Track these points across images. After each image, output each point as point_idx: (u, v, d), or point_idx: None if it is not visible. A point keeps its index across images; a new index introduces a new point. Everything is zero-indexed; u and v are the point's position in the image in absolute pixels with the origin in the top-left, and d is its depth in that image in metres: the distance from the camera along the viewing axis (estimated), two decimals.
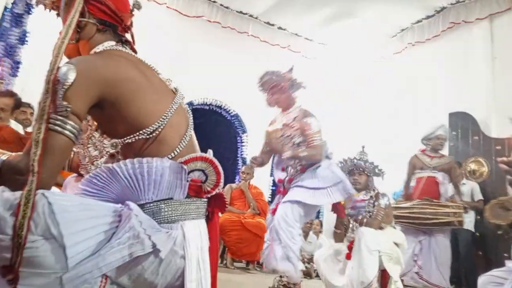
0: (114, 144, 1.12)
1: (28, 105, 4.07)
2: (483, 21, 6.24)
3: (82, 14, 1.18)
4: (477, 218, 5.07)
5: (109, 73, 1.08)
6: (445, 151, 6.12)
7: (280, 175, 3.13)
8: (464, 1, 6.46)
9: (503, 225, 4.06)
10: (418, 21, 7.20)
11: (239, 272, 5.09)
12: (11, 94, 3.68)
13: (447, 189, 4.50)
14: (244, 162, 6.88)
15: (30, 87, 4.57)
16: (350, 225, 3.35)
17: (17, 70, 4.62)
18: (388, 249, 3.03)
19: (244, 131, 7.23)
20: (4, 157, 1.04)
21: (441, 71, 6.68)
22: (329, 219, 4.92)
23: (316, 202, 2.89)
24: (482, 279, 1.44)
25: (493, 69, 6.00)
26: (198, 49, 6.88)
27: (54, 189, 2.31)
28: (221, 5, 7.32)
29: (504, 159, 1.18)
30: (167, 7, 6.84)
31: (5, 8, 4.45)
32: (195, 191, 1.13)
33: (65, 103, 0.99)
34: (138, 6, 1.33)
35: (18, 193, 0.91)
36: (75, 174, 2.36)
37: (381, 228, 3.21)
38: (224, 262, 5.38)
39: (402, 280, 3.38)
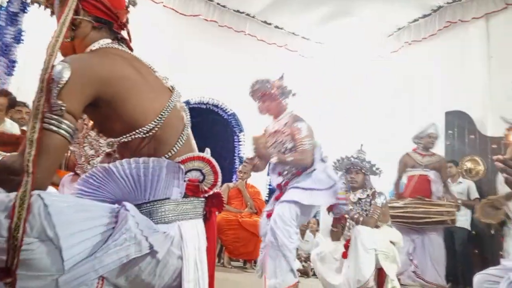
0: (110, 143, 1.11)
1: (24, 104, 4.06)
2: (479, 20, 6.27)
3: (76, 12, 1.16)
4: (473, 216, 5.09)
5: (105, 71, 1.07)
6: (441, 149, 6.16)
7: (276, 180, 3.16)
8: (460, 0, 6.49)
9: (494, 224, 4.09)
10: (415, 20, 7.22)
11: (236, 271, 5.09)
12: (5, 94, 3.66)
13: (438, 187, 4.52)
14: (241, 161, 6.87)
15: (25, 86, 4.55)
16: (347, 224, 3.35)
17: (12, 69, 4.59)
18: (384, 248, 3.04)
19: (241, 130, 7.23)
20: None
21: (437, 70, 6.70)
22: (326, 217, 4.93)
23: (313, 202, 2.91)
24: (477, 278, 1.45)
25: (489, 68, 6.03)
26: (195, 48, 6.87)
27: (51, 189, 2.29)
28: (217, 4, 7.31)
29: (500, 157, 1.19)
30: (163, 6, 6.82)
31: (0, 6, 4.42)
32: (193, 190, 1.12)
33: (59, 102, 0.98)
34: (133, 3, 1.31)
35: (13, 195, 0.89)
36: (71, 173, 2.36)
37: (377, 226, 3.22)
38: (221, 261, 5.38)
39: (399, 279, 3.39)
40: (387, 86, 7.56)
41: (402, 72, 7.28)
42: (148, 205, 1.05)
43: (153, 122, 1.11)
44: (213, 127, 7.13)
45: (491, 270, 1.45)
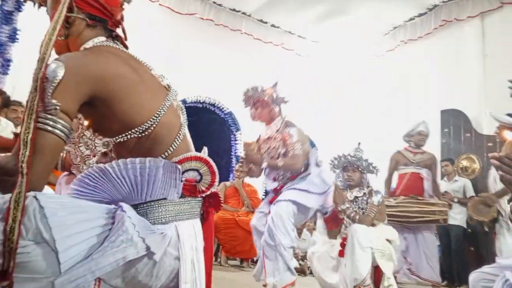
0: (106, 143, 1.10)
1: (19, 103, 4.03)
2: (475, 19, 6.30)
3: (70, 9, 1.14)
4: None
5: (99, 69, 1.05)
6: (437, 148, 6.19)
7: (272, 185, 3.18)
8: None
9: (486, 222, 4.11)
10: (411, 19, 7.24)
11: (233, 270, 5.09)
12: None
13: (430, 185, 4.55)
14: (237, 160, 6.87)
15: (21, 85, 4.52)
16: (344, 222, 3.36)
17: (7, 68, 4.56)
18: (380, 246, 3.05)
19: (237, 129, 7.22)
20: None
21: (433, 69, 6.73)
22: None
23: (307, 203, 2.94)
24: (473, 276, 1.45)
25: (485, 67, 6.06)
26: (191, 46, 6.86)
27: (47, 189, 2.28)
28: (214, 2, 7.30)
29: (496, 154, 1.19)
30: (159, 4, 6.80)
31: None
32: (190, 191, 1.11)
33: (54, 101, 0.96)
34: (128, 0, 1.29)
35: (7, 196, 0.88)
36: (66, 173, 2.35)
37: (373, 225, 3.23)
38: (218, 260, 5.38)
39: (395, 277, 3.40)
40: (383, 85, 7.58)
41: (398, 71, 7.30)
42: (145, 205, 1.04)
43: (149, 122, 1.10)
44: (209, 126, 7.12)
45: (486, 268, 1.45)
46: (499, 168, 1.17)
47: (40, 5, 1.25)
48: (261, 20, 7.79)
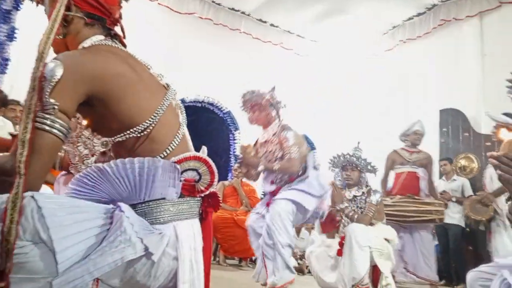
0: (105, 142, 1.09)
1: (17, 103, 4.02)
2: (473, 18, 6.31)
3: (68, 8, 1.13)
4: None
5: (98, 68, 1.04)
6: (435, 147, 6.19)
7: (269, 188, 3.19)
8: None
9: (484, 221, 4.12)
10: (410, 18, 7.25)
11: (232, 269, 5.09)
12: None
13: (426, 184, 4.57)
14: (236, 160, 6.86)
15: (19, 84, 4.51)
16: (342, 221, 3.37)
17: (5, 67, 4.55)
18: (378, 245, 3.05)
19: (236, 128, 7.18)
20: None
21: (432, 68, 6.74)
22: None
23: (306, 203, 2.95)
24: (470, 275, 1.45)
25: (483, 66, 6.07)
26: (190, 46, 6.86)
27: (46, 188, 2.27)
28: (212, 1, 7.30)
29: (494, 153, 1.19)
30: (158, 3, 6.79)
31: None
32: (189, 190, 1.11)
33: (52, 100, 0.95)
34: None
35: (4, 197, 0.88)
36: (65, 172, 2.34)
37: (371, 224, 3.23)
38: (217, 259, 5.38)
39: (393, 276, 3.41)
40: (381, 84, 7.59)
41: (397, 70, 7.31)
42: (144, 205, 1.03)
43: (148, 121, 1.09)
44: (208, 125, 7.09)
45: (484, 267, 1.45)
46: (497, 167, 1.17)
47: (38, 3, 1.24)
48: (260, 20, 7.79)
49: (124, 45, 1.26)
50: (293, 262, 4.29)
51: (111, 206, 1.01)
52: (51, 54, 1.02)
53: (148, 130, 1.10)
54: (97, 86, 1.03)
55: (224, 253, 5.35)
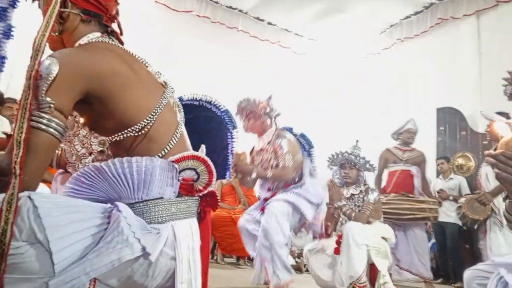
0: (102, 141, 1.09)
1: (14, 101, 4.01)
2: (471, 17, 6.32)
3: (64, 4, 1.12)
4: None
5: (95, 66, 1.03)
6: (433, 146, 6.21)
7: (265, 194, 3.19)
8: None
9: (481, 220, 4.12)
10: (407, 17, 7.26)
11: (230, 268, 5.10)
12: None
13: (420, 182, 4.59)
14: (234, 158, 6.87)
15: (15, 82, 4.50)
16: (340, 219, 3.37)
17: (2, 65, 4.52)
18: (376, 243, 3.06)
19: (234, 127, 7.17)
20: None
21: (429, 67, 6.76)
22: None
23: (302, 207, 2.94)
24: (467, 273, 1.45)
25: (480, 65, 6.09)
26: (188, 44, 6.84)
27: (43, 187, 2.26)
28: (210, 0, 7.28)
29: (491, 152, 1.19)
30: (155, 1, 6.77)
31: None
32: (187, 190, 1.10)
33: (48, 99, 0.94)
34: None
35: (0, 197, 0.87)
36: (62, 170, 2.33)
37: (369, 222, 3.24)
38: (215, 257, 5.38)
39: (390, 274, 3.42)
40: (379, 83, 7.60)
41: (394, 69, 7.33)
42: (141, 204, 1.02)
43: (146, 120, 1.08)
44: (206, 123, 7.09)
45: (481, 265, 1.45)
46: (494, 166, 1.17)
47: (33, 0, 1.22)
48: (257, 18, 7.78)
49: (121, 42, 1.24)
50: (291, 261, 4.28)
51: (108, 205, 1.00)
52: (47, 51, 1.00)
53: (146, 129, 1.09)
54: (94, 84, 1.02)
55: (222, 251, 5.35)
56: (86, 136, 2.02)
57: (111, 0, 1.23)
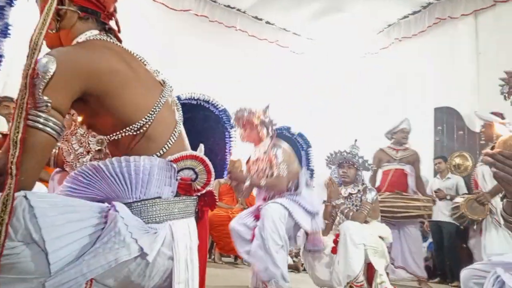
0: (100, 140, 1.08)
1: (11, 100, 3.99)
2: (468, 17, 6.34)
3: (61, 1, 1.11)
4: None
5: (93, 64, 1.02)
6: (430, 145, 6.22)
7: (261, 204, 3.17)
8: None
9: (479, 220, 4.13)
10: (405, 17, 7.27)
11: (227, 267, 5.10)
12: None
13: (414, 180, 4.61)
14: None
15: (13, 81, 4.48)
16: (337, 218, 3.38)
17: None
18: (373, 243, 3.07)
19: (232, 126, 7.16)
20: None
21: (427, 67, 6.77)
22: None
23: (297, 214, 2.87)
24: (464, 273, 1.45)
25: (478, 64, 6.10)
26: (185, 43, 6.83)
27: (40, 186, 2.24)
28: None
29: (489, 151, 1.18)
30: (153, 0, 6.76)
31: None
32: (185, 189, 1.09)
33: (45, 97, 0.92)
34: None
35: None
36: (59, 169, 2.32)
37: (366, 222, 3.24)
38: (212, 257, 5.38)
39: (387, 274, 3.42)
40: (377, 82, 7.61)
41: (392, 69, 7.34)
42: (139, 204, 1.02)
43: (144, 119, 1.07)
44: (204, 123, 7.09)
45: (477, 265, 1.45)
46: (492, 165, 1.16)
47: None
48: (256, 17, 7.77)
49: (119, 40, 1.23)
50: (289, 260, 4.29)
51: (106, 205, 0.99)
52: (44, 50, 0.99)
53: (145, 128, 1.08)
54: (92, 82, 1.01)
55: (220, 251, 5.35)
56: (84, 135, 2.01)
57: None
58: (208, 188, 1.14)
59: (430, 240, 5.82)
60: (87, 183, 1.01)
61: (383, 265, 3.12)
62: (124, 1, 1.30)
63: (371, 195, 3.30)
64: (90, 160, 1.94)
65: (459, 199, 4.41)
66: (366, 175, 3.56)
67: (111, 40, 1.17)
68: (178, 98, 1.42)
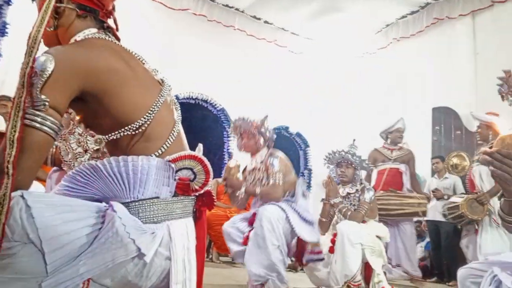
0: (98, 140, 1.07)
1: (9, 99, 3.98)
2: (466, 17, 6.36)
3: None
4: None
5: (91, 63, 1.01)
6: (428, 145, 6.23)
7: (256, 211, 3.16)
8: None
9: (479, 220, 4.14)
10: (403, 17, 7.28)
11: (225, 266, 5.09)
12: None
13: (408, 179, 4.63)
14: (230, 157, 6.86)
15: (10, 79, 4.47)
16: (335, 218, 3.38)
17: None
18: (370, 242, 3.07)
19: (230, 126, 7.20)
20: None
21: (425, 67, 6.78)
22: (315, 209, 4.99)
23: (293, 219, 2.84)
24: (461, 272, 1.45)
25: (475, 65, 6.12)
26: (184, 42, 6.82)
27: (38, 185, 2.23)
28: None
29: (487, 149, 1.19)
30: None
31: None
32: (183, 189, 1.09)
33: (43, 96, 0.92)
34: None
35: None
36: (57, 168, 2.31)
37: (363, 221, 3.25)
38: (210, 256, 5.38)
39: (385, 273, 3.43)
40: (375, 82, 7.62)
41: (390, 69, 7.35)
42: (137, 204, 1.01)
43: (143, 118, 1.07)
44: (202, 122, 7.08)
45: (474, 264, 1.46)
46: (490, 164, 1.17)
47: None
48: (254, 17, 7.77)
49: (118, 38, 1.22)
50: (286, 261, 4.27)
51: (103, 204, 0.98)
52: (42, 48, 0.98)
53: (143, 128, 1.07)
54: (90, 81, 1.00)
55: (218, 250, 5.35)
56: (82, 134, 2.00)
57: None
58: (206, 188, 1.14)
59: (427, 239, 5.83)
60: (84, 183, 1.00)
61: (380, 264, 3.12)
62: (123, 1, 1.30)
63: (369, 195, 3.31)
64: (88, 159, 1.93)
65: (456, 199, 4.41)
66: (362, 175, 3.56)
67: (110, 39, 1.16)
68: (177, 97, 1.42)
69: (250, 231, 2.93)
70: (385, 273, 3.56)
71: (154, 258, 0.99)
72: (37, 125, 0.92)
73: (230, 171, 3.07)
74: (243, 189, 3.03)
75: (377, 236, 3.19)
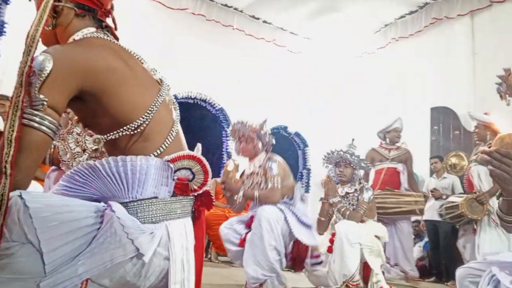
0: (97, 140, 1.06)
1: (7, 98, 3.97)
2: (465, 17, 6.37)
3: None
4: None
5: (90, 62, 1.00)
6: (426, 145, 6.24)
7: (254, 214, 3.16)
8: None
9: (479, 220, 4.14)
10: (402, 17, 7.29)
11: (224, 266, 5.09)
12: None
13: (406, 178, 4.64)
14: (229, 156, 6.84)
15: (8, 79, 4.46)
16: (334, 217, 3.38)
17: None
18: (369, 242, 3.07)
19: (229, 125, 7.13)
20: None
21: (424, 67, 6.79)
22: (313, 209, 5.00)
23: (291, 221, 2.84)
24: (459, 271, 1.46)
25: (474, 65, 6.13)
26: (182, 42, 6.82)
27: (36, 185, 2.23)
28: None
29: (486, 149, 1.19)
30: None
31: None
32: (182, 189, 1.09)
33: (41, 96, 0.91)
34: None
35: None
36: (55, 167, 2.31)
37: (362, 221, 3.25)
38: (209, 256, 5.37)
39: (383, 273, 3.44)
40: (374, 82, 7.63)
41: (390, 69, 7.36)
42: (135, 203, 1.01)
43: (141, 118, 1.06)
44: (201, 122, 7.07)
45: (473, 264, 1.46)
46: (489, 163, 1.17)
47: None
48: (253, 16, 7.76)
49: (116, 38, 1.22)
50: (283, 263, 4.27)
51: (102, 204, 0.98)
52: (40, 47, 0.98)
53: (142, 128, 1.07)
54: (89, 80, 1.00)
55: (216, 250, 5.34)
56: (80, 134, 2.00)
57: None
58: (205, 188, 1.13)
59: (426, 239, 5.84)
60: (83, 182, 1.00)
61: (379, 264, 3.13)
62: (122, 0, 1.30)
63: (367, 195, 3.31)
64: (87, 159, 1.93)
65: (455, 199, 4.42)
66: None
67: (108, 38, 1.16)
68: (175, 97, 1.42)
69: (247, 233, 2.93)
70: (383, 272, 3.56)
71: (153, 258, 0.99)
72: (35, 124, 0.92)
73: (228, 174, 3.05)
74: (241, 193, 3.01)
75: (376, 236, 3.19)
